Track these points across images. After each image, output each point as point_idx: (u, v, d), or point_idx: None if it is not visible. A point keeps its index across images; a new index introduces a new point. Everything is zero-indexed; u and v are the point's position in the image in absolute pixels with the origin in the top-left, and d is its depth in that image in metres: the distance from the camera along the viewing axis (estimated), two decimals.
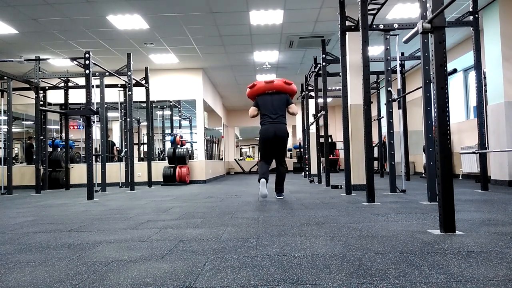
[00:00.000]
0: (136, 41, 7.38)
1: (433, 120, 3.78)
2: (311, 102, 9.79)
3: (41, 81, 7.53)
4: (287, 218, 3.06)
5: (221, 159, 14.58)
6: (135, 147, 10.51)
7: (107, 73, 6.93)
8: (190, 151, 9.88)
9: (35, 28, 6.54)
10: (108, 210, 3.98)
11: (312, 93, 8.77)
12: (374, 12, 4.46)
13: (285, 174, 4.78)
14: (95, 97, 7.08)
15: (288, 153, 17.38)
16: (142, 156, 11.43)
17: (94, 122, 5.95)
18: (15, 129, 12.95)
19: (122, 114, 8.90)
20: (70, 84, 8.33)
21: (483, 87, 6.19)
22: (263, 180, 4.45)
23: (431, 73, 2.35)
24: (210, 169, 10.22)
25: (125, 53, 7.66)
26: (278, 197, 4.77)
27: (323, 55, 6.49)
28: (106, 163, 7.10)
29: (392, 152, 5.00)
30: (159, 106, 11.42)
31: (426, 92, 3.65)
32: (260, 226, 2.72)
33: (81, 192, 6.82)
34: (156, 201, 4.82)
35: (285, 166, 4.78)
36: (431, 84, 2.70)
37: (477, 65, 5.08)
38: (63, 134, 8.50)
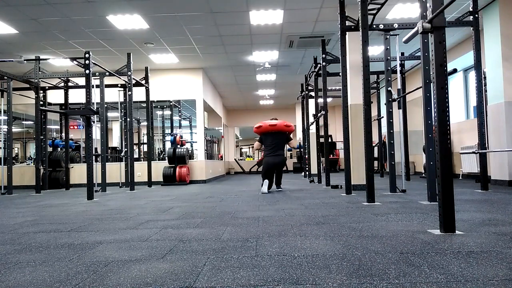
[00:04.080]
0: (136, 41, 7.38)
1: (433, 120, 3.78)
2: (311, 102, 9.79)
3: (41, 81, 7.53)
4: (287, 218, 3.06)
5: (221, 159, 14.58)
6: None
7: (107, 73, 6.93)
8: (190, 151, 9.88)
9: (35, 28, 6.54)
10: (108, 210, 3.98)
11: (312, 93, 8.77)
12: (374, 12, 4.46)
13: (282, 174, 6.28)
14: (95, 97, 7.08)
15: (288, 153, 17.42)
16: (142, 156, 11.43)
17: (94, 122, 5.95)
18: (15, 129, 12.96)
19: (122, 114, 8.90)
20: (70, 84, 8.33)
21: (483, 87, 6.19)
22: (266, 180, 5.78)
23: (431, 73, 2.35)
24: (210, 169, 10.22)
25: (125, 53, 7.65)
26: (277, 190, 6.11)
27: (323, 55, 6.49)
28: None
29: (392, 152, 5.00)
30: (159, 106, 11.42)
31: (426, 92, 3.65)
32: (260, 226, 2.72)
33: (81, 192, 6.82)
34: (156, 201, 4.82)
35: (282, 171, 6.28)
36: (431, 84, 2.70)
37: (477, 65, 5.07)
38: (63, 134, 8.50)
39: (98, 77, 7.20)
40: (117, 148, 11.80)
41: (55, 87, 8.19)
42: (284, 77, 10.91)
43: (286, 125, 6.01)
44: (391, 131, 5.01)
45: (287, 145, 6.24)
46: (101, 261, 1.85)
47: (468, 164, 7.61)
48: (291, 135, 6.38)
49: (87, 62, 5.58)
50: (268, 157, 5.98)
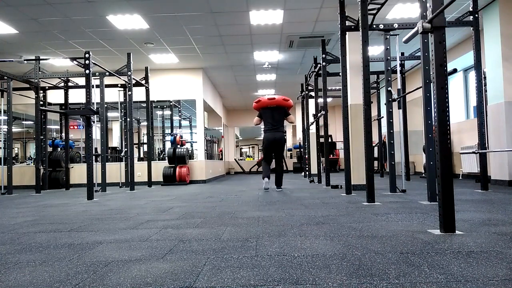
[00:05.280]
0: (136, 41, 7.38)
1: (433, 120, 3.78)
2: (311, 102, 9.79)
3: (41, 81, 7.53)
4: (287, 218, 3.06)
5: (221, 159, 14.58)
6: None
7: (107, 73, 6.92)
8: (190, 151, 9.89)
9: (35, 28, 6.54)
10: (108, 210, 3.98)
11: (312, 93, 8.77)
12: (374, 12, 4.46)
13: (282, 173, 6.23)
14: (95, 97, 7.08)
15: (288, 153, 17.42)
16: (142, 156, 11.43)
17: (94, 122, 5.95)
18: (15, 129, 12.96)
19: (122, 114, 8.90)
20: (70, 84, 8.33)
21: (483, 87, 6.19)
22: (266, 179, 5.98)
23: (431, 73, 2.35)
24: (210, 169, 10.22)
25: (125, 53, 7.66)
26: (277, 190, 6.06)
27: (323, 55, 6.49)
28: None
29: (392, 152, 5.00)
30: (159, 106, 11.42)
31: (426, 92, 3.65)
32: (260, 226, 2.72)
33: (81, 192, 6.82)
34: (156, 201, 4.82)
35: (282, 165, 6.23)
36: (431, 84, 2.70)
37: (477, 65, 5.07)
38: (63, 134, 8.51)
39: (98, 77, 7.20)
40: (117, 148, 11.80)
41: (55, 87, 8.19)
42: (284, 77, 10.91)
43: (285, 99, 6.05)
44: (391, 131, 5.01)
45: (286, 120, 6.21)
46: (101, 261, 1.85)
47: (468, 164, 7.61)
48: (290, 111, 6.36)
49: (87, 62, 5.58)
50: (268, 133, 6.02)
